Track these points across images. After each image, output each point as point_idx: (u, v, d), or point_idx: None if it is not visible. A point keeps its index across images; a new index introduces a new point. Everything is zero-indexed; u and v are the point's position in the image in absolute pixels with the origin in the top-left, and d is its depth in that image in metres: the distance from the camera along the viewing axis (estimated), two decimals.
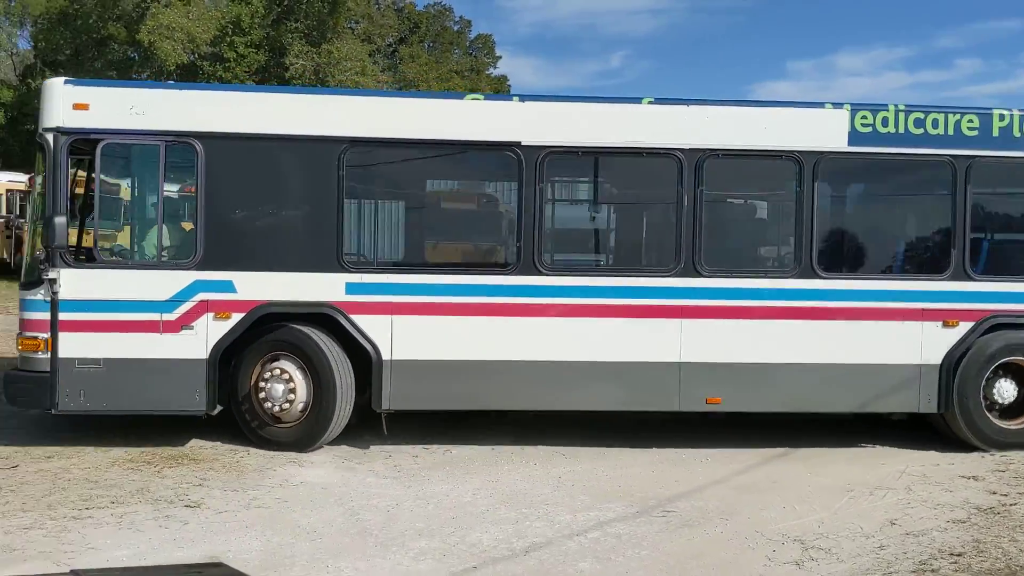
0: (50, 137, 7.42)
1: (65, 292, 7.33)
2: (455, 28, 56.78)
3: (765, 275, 8.06)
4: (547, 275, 7.77)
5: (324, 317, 7.61)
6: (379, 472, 7.10)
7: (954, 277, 8.01)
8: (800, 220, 7.94)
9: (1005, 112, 8.11)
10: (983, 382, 8.00)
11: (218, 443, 7.74)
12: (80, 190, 8.44)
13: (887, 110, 8.02)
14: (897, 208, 9.01)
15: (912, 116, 8.03)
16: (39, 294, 7.37)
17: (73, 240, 8.11)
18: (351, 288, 7.60)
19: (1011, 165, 8.15)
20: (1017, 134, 8.09)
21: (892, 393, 7.99)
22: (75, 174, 7.90)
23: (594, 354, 7.76)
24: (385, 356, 7.60)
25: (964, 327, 7.98)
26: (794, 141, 7.96)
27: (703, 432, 8.56)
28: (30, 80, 42.42)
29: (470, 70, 53.13)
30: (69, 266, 7.39)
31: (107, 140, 7.50)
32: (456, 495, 6.52)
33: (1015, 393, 8.08)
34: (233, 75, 37.20)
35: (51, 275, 7.30)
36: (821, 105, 8.06)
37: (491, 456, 7.70)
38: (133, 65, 38.62)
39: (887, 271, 8.45)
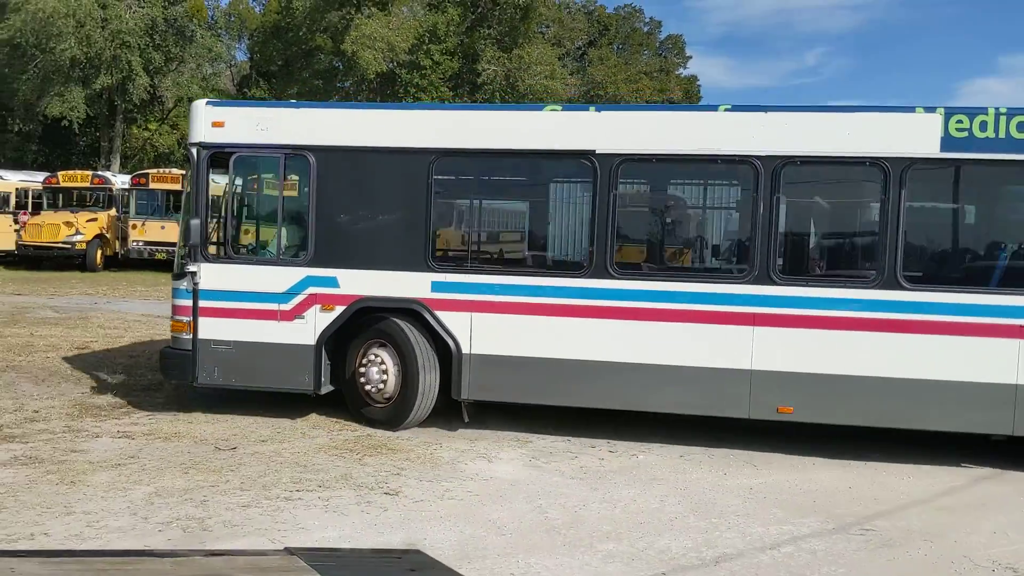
0: (193, 151, 8.63)
1: (204, 283, 8.46)
2: (645, 29, 56.50)
3: (843, 285, 7.77)
4: (618, 279, 7.97)
5: (413, 312, 8.34)
6: (565, 472, 7.19)
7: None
8: (885, 229, 7.62)
9: None
10: None
11: (412, 435, 8.08)
12: (220, 195, 9.30)
13: (986, 113, 7.48)
14: (993, 217, 8.48)
15: (1015, 119, 7.41)
16: (183, 284, 8.61)
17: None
18: (435, 286, 8.28)
19: None
20: None
21: (984, 412, 7.50)
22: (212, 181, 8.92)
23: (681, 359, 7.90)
24: (464, 350, 8.22)
25: None
26: (880, 147, 7.64)
27: (902, 448, 8.12)
28: (246, 90, 45.73)
29: (659, 71, 52.73)
30: (208, 261, 8.53)
31: (239, 153, 8.62)
32: (643, 500, 6.51)
33: None
34: (428, 82, 38.65)
35: (192, 268, 8.49)
36: (912, 109, 7.67)
37: (678, 463, 7.62)
38: (337, 74, 40.87)
39: (980, 284, 7.81)
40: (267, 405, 9.06)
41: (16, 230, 24.96)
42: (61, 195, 25.78)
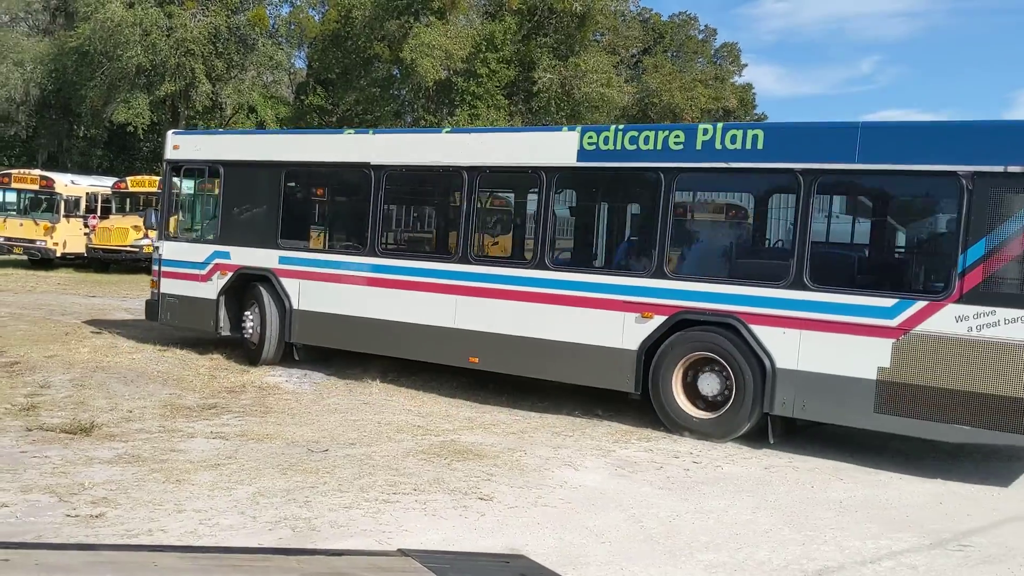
0: (164, 165, 12.75)
1: (164, 255, 12.39)
2: (700, 37, 56.23)
3: (515, 266, 10.11)
4: (382, 257, 10.71)
5: (266, 278, 11.52)
6: (653, 482, 7.24)
7: (654, 275, 8.97)
8: (540, 223, 9.70)
9: (709, 127, 8.85)
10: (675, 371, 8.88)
11: (497, 440, 8.19)
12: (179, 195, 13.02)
13: (608, 130, 9.34)
14: (616, 213, 10.91)
15: (628, 135, 9.17)
16: (155, 255, 12.54)
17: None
18: (280, 260, 11.44)
19: (711, 174, 9.05)
20: (719, 146, 8.66)
21: (607, 372, 9.25)
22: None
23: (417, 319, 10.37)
24: (294, 306, 11.29)
25: (659, 320, 8.90)
26: (539, 158, 9.71)
27: (989, 465, 8.03)
28: (303, 97, 46.41)
29: (714, 79, 52.37)
30: (167, 240, 12.48)
31: (185, 166, 12.48)
32: (735, 512, 6.53)
33: (711, 384, 8.76)
34: (484, 89, 38.89)
35: (157, 244, 12.59)
36: (559, 129, 10.20)
37: (763, 475, 7.62)
38: (394, 82, 41.30)
39: (603, 267, 10.32)
40: (351, 410, 9.25)
41: (86, 234, 25.61)
42: (129, 200, 26.41)
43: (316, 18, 45.22)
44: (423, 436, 8.31)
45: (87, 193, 26.55)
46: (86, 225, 25.92)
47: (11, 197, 26.65)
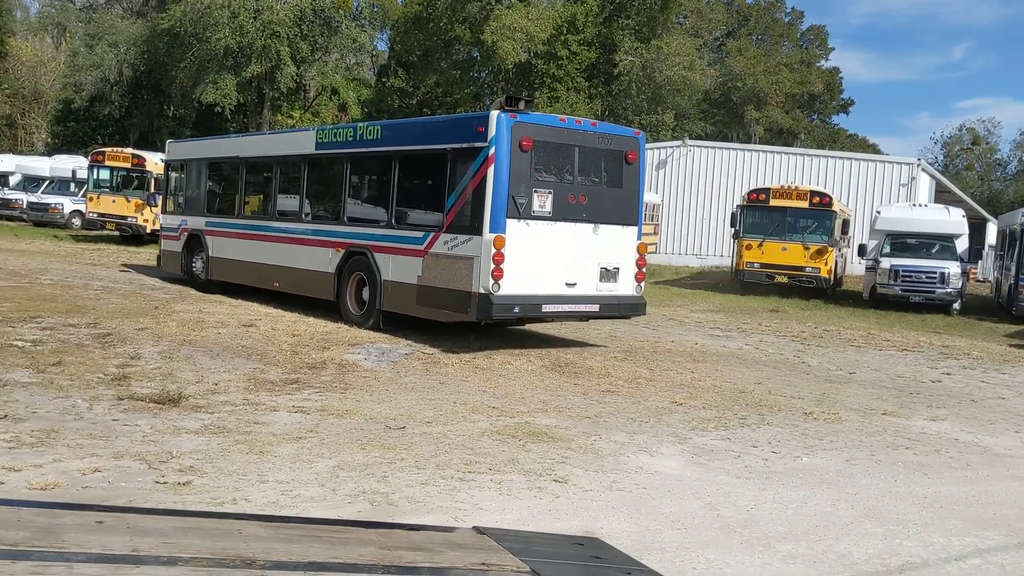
0: (166, 162, 19.20)
1: (163, 224, 18.70)
2: (786, 20, 54.93)
3: (287, 220, 15.06)
4: (242, 219, 16.34)
5: (200, 236, 17.27)
6: (730, 471, 7.15)
7: (340, 223, 13.72)
8: (301, 191, 14.98)
9: (364, 124, 14.28)
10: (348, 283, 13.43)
11: (571, 424, 8.20)
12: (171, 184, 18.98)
13: (337, 128, 14.50)
14: (331, 184, 14.82)
15: (337, 132, 14.47)
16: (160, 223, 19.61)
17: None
18: (207, 224, 17.07)
19: (363, 157, 13.91)
20: (368, 137, 13.60)
21: (318, 287, 14.03)
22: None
23: None
24: (211, 254, 16.97)
25: (342, 252, 13.47)
26: (297, 149, 15.16)
27: None
28: (384, 79, 46.87)
29: (800, 63, 51.18)
30: (164, 213, 18.76)
31: (172, 163, 18.59)
32: (815, 503, 6.41)
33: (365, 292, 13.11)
34: (564, 72, 38.72)
35: (160, 215, 19.43)
36: (308, 130, 17.09)
37: (844, 467, 7.46)
38: (475, 65, 41.43)
39: (321, 219, 14.55)
40: (427, 389, 9.36)
41: None
42: None
43: (399, 1, 45.56)
44: (498, 417, 8.35)
45: None
46: None
47: (104, 175, 27.61)
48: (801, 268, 23.39)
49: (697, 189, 34.48)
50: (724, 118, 51.88)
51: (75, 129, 45.48)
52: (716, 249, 33.50)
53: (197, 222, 16.95)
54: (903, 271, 21.86)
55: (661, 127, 41.53)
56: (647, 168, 35.08)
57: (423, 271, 11.74)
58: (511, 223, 11.12)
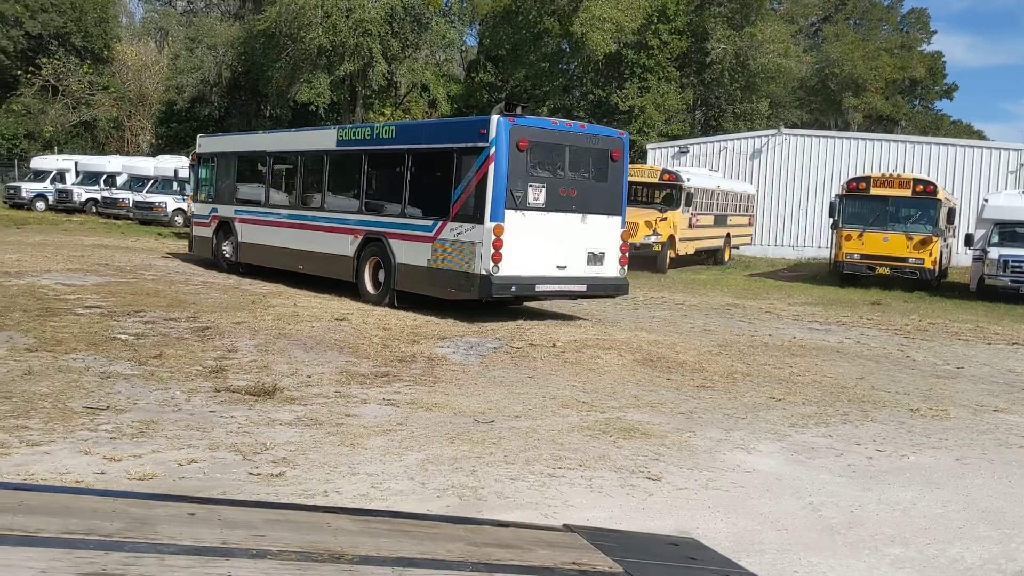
0: (195, 156, 20.72)
1: (193, 211, 20.78)
2: (885, 3, 53.00)
3: (312, 209, 16.57)
4: (269, 208, 17.96)
5: (230, 223, 18.93)
6: (832, 469, 6.86)
7: (359, 213, 15.21)
8: (322, 184, 16.55)
9: (380, 125, 16.13)
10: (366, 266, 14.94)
11: (665, 420, 8.00)
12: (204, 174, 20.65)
13: (354, 127, 16.17)
14: (350, 177, 16.12)
15: (356, 131, 16.06)
16: (191, 210, 22.20)
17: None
18: (236, 212, 18.71)
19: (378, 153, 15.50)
20: (383, 136, 15.16)
21: (338, 269, 15.48)
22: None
23: None
24: (240, 239, 18.71)
25: (360, 238, 15.04)
26: (320, 145, 16.77)
27: None
28: (473, 74, 47.08)
29: (900, 47, 49.32)
30: (195, 201, 20.64)
31: (201, 156, 20.11)
32: (924, 504, 6.09)
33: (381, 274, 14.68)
34: (655, 61, 38.18)
35: (189, 203, 23.15)
36: (330, 127, 18.41)
37: (954, 467, 7.08)
38: (564, 57, 41.21)
39: (336, 208, 15.96)
40: (516, 383, 9.29)
41: None
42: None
43: None
44: (588, 412, 8.22)
45: None
46: None
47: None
48: (904, 259, 22.50)
49: (793, 179, 33.55)
50: (821, 106, 50.40)
51: (177, 130, 47.06)
52: (813, 240, 32.55)
53: (226, 210, 18.71)
54: (1013, 261, 20.81)
55: (755, 116, 40.56)
56: (742, 158, 34.62)
57: (432, 255, 13.38)
58: (509, 213, 12.59)
